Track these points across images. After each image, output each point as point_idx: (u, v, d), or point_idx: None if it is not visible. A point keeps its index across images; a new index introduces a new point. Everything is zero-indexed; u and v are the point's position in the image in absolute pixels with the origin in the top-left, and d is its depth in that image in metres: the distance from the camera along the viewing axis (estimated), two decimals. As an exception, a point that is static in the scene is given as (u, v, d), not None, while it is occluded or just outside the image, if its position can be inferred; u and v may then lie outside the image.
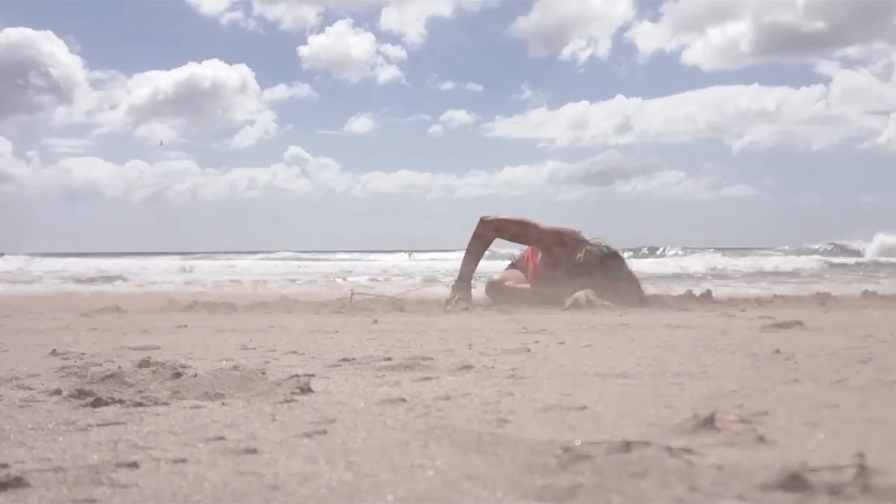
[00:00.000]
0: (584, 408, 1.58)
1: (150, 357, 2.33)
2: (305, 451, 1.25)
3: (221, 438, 1.34)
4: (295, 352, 2.65)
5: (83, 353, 2.62)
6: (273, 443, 1.31)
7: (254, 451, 1.25)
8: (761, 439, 1.27)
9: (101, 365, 2.30)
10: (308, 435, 1.36)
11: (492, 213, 5.87)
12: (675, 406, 1.60)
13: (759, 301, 5.58)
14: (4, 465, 1.16)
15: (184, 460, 1.20)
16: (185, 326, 3.84)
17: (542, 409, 1.59)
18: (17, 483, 1.07)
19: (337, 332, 3.50)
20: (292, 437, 1.35)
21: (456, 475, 1.10)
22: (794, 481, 1.00)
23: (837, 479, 1.02)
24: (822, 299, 5.64)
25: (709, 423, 1.33)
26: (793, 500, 0.97)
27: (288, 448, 1.27)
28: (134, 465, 1.17)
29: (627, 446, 1.16)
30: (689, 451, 1.16)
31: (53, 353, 2.62)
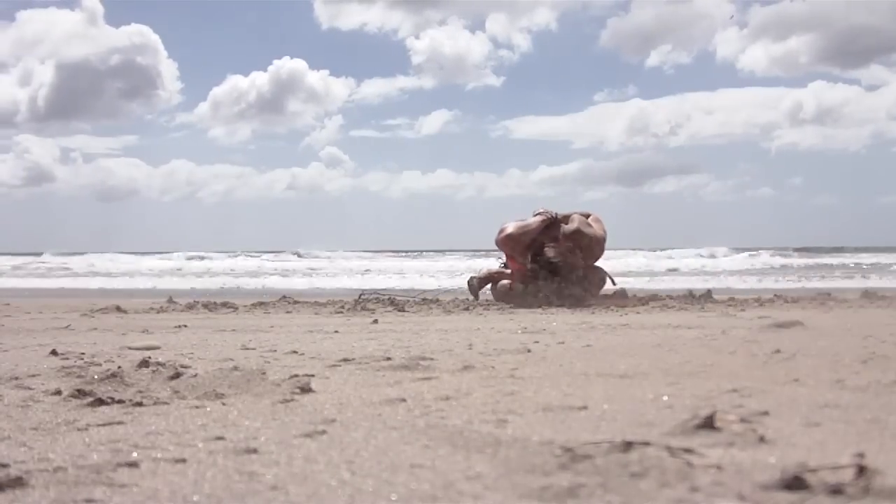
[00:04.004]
0: (584, 408, 1.58)
1: (150, 357, 2.33)
2: (305, 451, 1.25)
3: (221, 438, 1.34)
4: (295, 352, 2.65)
5: (83, 353, 2.62)
6: (273, 443, 1.31)
7: (254, 451, 1.25)
8: (761, 439, 1.27)
9: (101, 365, 2.30)
10: (308, 435, 1.36)
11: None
12: (675, 406, 1.60)
13: (759, 301, 5.59)
14: (4, 465, 1.16)
15: (184, 460, 1.20)
16: (185, 326, 3.84)
17: (542, 409, 1.58)
18: (17, 483, 1.07)
19: (337, 332, 3.50)
20: (292, 437, 1.35)
21: (456, 475, 1.10)
22: (794, 481, 1.00)
23: (837, 479, 1.02)
24: (822, 299, 5.66)
25: (709, 423, 1.33)
26: (793, 500, 0.97)
27: (288, 448, 1.27)
28: (134, 465, 1.17)
29: (627, 446, 1.16)
30: (689, 451, 1.16)
31: (53, 353, 2.62)
